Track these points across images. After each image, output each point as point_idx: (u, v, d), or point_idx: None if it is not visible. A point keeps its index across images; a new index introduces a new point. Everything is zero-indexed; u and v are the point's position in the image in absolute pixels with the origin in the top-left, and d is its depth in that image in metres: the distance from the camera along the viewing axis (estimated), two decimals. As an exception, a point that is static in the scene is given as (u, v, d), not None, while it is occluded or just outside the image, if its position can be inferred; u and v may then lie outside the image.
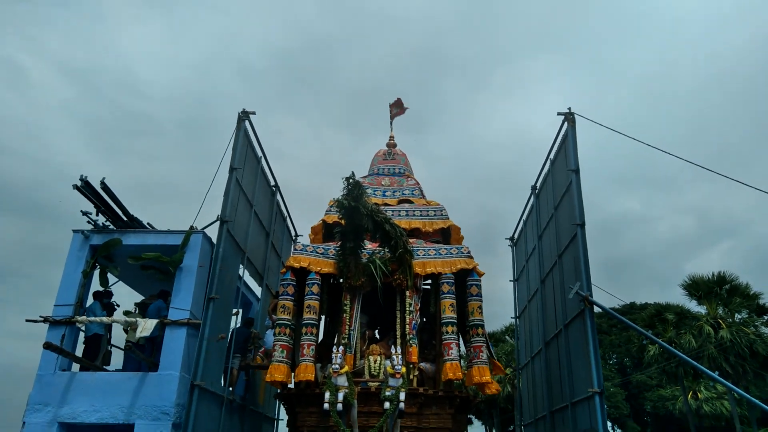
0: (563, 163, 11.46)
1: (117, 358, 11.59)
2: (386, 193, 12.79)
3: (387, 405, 8.99)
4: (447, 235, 12.18)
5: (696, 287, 24.35)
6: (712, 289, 23.99)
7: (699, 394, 30.74)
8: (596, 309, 9.90)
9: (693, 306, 25.83)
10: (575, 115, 11.05)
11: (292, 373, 10.15)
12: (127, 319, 10.29)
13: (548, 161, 12.68)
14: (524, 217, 15.67)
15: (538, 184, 13.97)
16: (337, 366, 9.28)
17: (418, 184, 13.11)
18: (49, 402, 9.43)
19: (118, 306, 11.38)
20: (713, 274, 24.16)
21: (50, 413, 9.34)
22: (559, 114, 11.28)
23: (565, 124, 11.22)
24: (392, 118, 14.16)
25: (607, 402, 35.41)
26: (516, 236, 16.94)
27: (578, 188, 10.50)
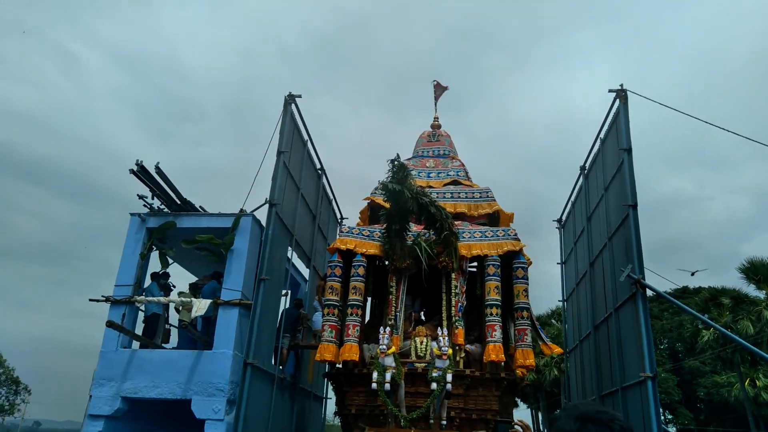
0: (614, 142, 11.11)
1: (172, 337, 12.13)
2: (431, 175, 12.73)
3: (434, 386, 9.06)
4: (494, 219, 12.06)
5: (754, 270, 23.33)
6: (773, 272, 22.93)
7: (757, 382, 29.50)
8: (648, 293, 9.64)
9: (751, 290, 24.78)
10: (627, 92, 10.67)
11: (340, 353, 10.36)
12: (183, 299, 10.71)
13: (598, 140, 12.32)
14: (572, 199, 15.32)
15: (587, 165, 13.60)
16: (384, 346, 9.40)
17: (463, 165, 12.99)
18: (113, 377, 9.97)
19: (174, 287, 11.88)
20: (773, 257, 23.07)
21: (114, 388, 9.88)
22: (610, 91, 10.91)
23: (617, 101, 10.85)
24: (436, 98, 14.02)
25: (658, 387, 34.61)
26: (564, 218, 16.59)
27: (630, 168, 10.17)
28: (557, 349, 11.35)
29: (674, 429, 35.83)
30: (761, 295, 23.95)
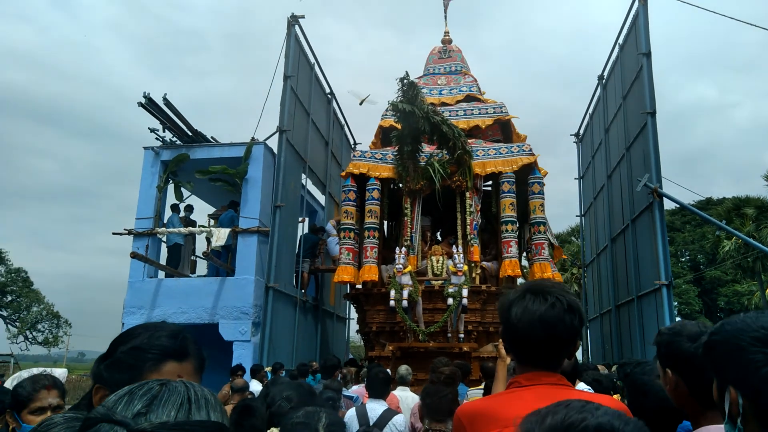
0: (633, 47, 10.61)
1: (201, 267, 12.51)
2: (443, 92, 12.39)
3: (450, 301, 9.26)
4: (508, 134, 11.82)
5: (781, 178, 22.75)
6: (800, 178, 22.37)
7: (778, 289, 29.64)
8: (667, 203, 9.52)
9: (776, 198, 24.31)
10: (648, -8, 10.05)
11: (358, 275, 10.58)
12: (202, 228, 10.93)
13: (616, 46, 11.78)
14: (590, 111, 14.89)
15: (606, 73, 13.09)
16: (400, 266, 9.56)
17: (475, 80, 12.59)
18: (142, 306, 10.42)
19: (191, 220, 12.06)
20: (802, 163, 22.43)
21: (144, 315, 10.33)
22: (629, -8, 10.30)
23: (636, 2, 10.25)
24: (445, 7, 13.34)
25: (678, 299, 34.92)
26: (581, 132, 16.21)
27: (650, 74, 9.77)
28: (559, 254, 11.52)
29: (693, 337, 36.46)
30: (786, 202, 23.54)
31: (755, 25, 9.99)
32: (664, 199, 9.64)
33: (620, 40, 11.44)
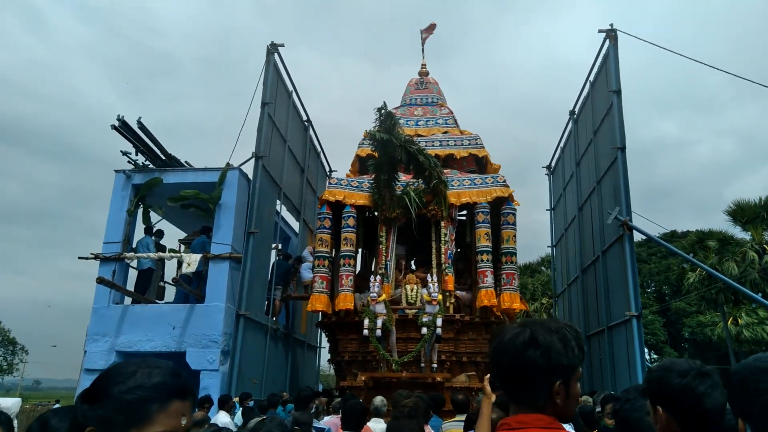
0: (604, 84, 10.98)
1: (170, 293, 12.20)
2: (419, 123, 12.57)
3: (424, 330, 9.22)
4: (482, 165, 12.01)
5: (741, 212, 23.59)
6: (759, 213, 23.21)
7: (739, 320, 30.36)
8: (636, 236, 9.74)
9: (737, 232, 25.15)
10: (617, 32, 10.46)
11: (332, 303, 10.47)
12: (173, 254, 10.69)
13: (587, 83, 12.17)
14: (562, 144, 15.27)
15: (577, 109, 13.48)
16: (375, 294, 9.50)
17: (451, 113, 12.81)
18: (107, 333, 10.05)
19: (161, 245, 11.79)
20: (760, 199, 23.30)
21: (108, 342, 9.97)
22: (600, 31, 10.70)
23: (606, 42, 10.65)
24: (423, 40, 13.62)
25: (644, 329, 35.52)
26: (553, 164, 16.58)
27: (620, 110, 10.10)
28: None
29: (660, 368, 37.07)
30: (747, 236, 24.34)
31: (714, 67, 10.48)
32: (633, 231, 9.87)
33: (591, 77, 11.84)
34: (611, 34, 10.52)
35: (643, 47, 10.55)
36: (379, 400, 5.67)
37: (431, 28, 13.47)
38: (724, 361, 34.05)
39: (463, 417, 4.71)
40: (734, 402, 1.18)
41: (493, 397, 2.52)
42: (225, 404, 7.67)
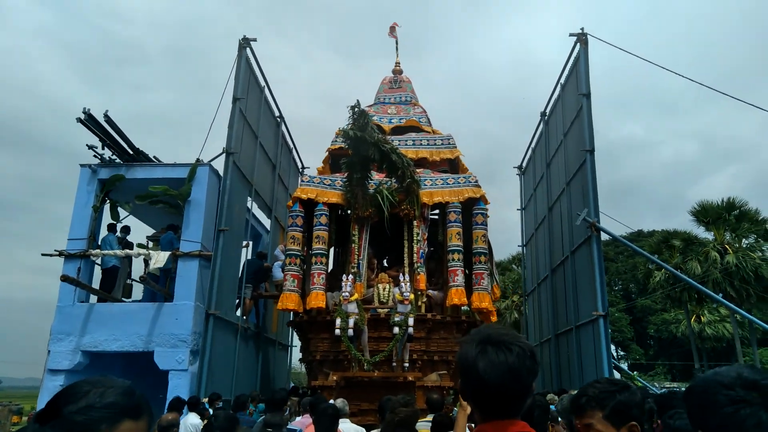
0: (574, 87, 11.15)
1: (137, 291, 11.93)
2: (392, 122, 12.57)
3: (396, 330, 9.24)
4: (454, 165, 12.07)
5: (705, 213, 24.27)
6: (721, 214, 23.91)
7: (702, 318, 31.37)
8: (603, 236, 9.93)
9: (701, 232, 25.87)
10: (588, 36, 10.63)
11: (303, 302, 10.40)
12: (140, 251, 10.47)
13: (558, 85, 12.34)
14: (533, 145, 15.46)
15: (548, 110, 13.66)
16: (347, 293, 9.47)
17: (425, 112, 12.84)
18: (71, 332, 9.78)
19: (128, 241, 11.54)
20: (722, 200, 24.02)
21: (73, 342, 9.71)
22: (571, 35, 10.85)
23: (577, 45, 10.81)
24: (396, 39, 13.60)
25: (611, 327, 36.29)
26: (524, 164, 16.78)
27: (589, 113, 10.27)
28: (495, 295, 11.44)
29: (626, 364, 38.01)
30: (710, 236, 25.05)
31: (678, 74, 10.74)
32: (601, 232, 10.06)
33: (562, 80, 12.01)
34: (582, 38, 10.69)
35: (614, 49, 10.74)
36: (340, 401, 5.73)
37: (392, 29, 13.47)
38: (687, 358, 35.10)
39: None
40: (693, 416, 1.21)
41: (469, 409, 2.53)
42: (195, 406, 7.55)
